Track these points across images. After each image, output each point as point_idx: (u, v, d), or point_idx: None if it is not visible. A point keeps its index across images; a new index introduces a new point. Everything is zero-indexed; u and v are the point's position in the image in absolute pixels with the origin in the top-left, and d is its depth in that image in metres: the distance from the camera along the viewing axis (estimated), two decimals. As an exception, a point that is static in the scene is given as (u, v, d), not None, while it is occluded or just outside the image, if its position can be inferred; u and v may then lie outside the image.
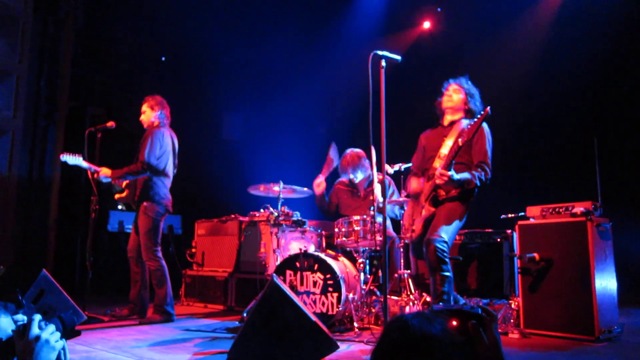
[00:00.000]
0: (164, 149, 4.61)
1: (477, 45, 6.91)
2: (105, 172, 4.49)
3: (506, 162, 6.14)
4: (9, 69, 5.54)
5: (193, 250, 6.00)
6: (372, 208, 4.05)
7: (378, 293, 4.19)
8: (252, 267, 5.33)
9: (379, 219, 3.83)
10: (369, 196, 4.80)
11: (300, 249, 4.22)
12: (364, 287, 4.10)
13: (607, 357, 3.12)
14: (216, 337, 3.81)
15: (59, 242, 6.24)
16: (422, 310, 1.06)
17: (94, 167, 4.52)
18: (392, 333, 1.02)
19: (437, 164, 3.60)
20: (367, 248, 4.23)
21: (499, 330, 1.15)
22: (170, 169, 4.69)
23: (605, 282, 3.61)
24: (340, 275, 3.97)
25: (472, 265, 4.44)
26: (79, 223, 6.70)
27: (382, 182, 3.40)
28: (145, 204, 4.50)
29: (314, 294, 4.05)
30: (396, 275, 4.23)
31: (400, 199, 4.40)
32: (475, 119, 3.38)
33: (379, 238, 3.87)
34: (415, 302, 3.97)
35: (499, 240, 4.35)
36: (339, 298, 3.92)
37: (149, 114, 4.71)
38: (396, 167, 4.07)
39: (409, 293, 4.06)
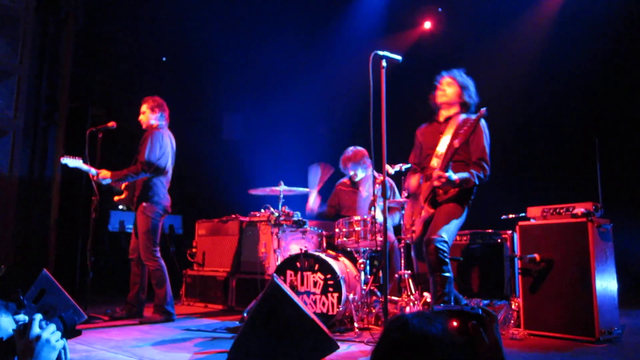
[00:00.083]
0: (164, 150, 4.62)
1: (477, 45, 6.91)
2: (104, 174, 4.50)
3: (507, 162, 6.16)
4: (9, 69, 5.55)
5: (194, 250, 6.00)
6: (372, 208, 4.05)
7: (378, 293, 4.19)
8: (252, 267, 5.33)
9: (380, 219, 3.83)
10: (370, 197, 4.79)
11: (301, 249, 4.22)
12: (365, 287, 4.10)
13: (607, 358, 3.12)
14: (216, 337, 3.81)
15: (60, 242, 6.24)
16: (422, 310, 1.05)
17: (93, 170, 4.53)
18: (392, 333, 1.02)
19: (434, 162, 3.55)
20: (367, 248, 4.23)
21: (500, 331, 1.15)
22: (170, 170, 4.71)
23: (606, 283, 3.61)
24: (340, 276, 3.97)
25: (473, 265, 4.44)
26: (80, 223, 6.70)
27: (382, 183, 3.39)
28: (144, 204, 4.52)
29: (314, 294, 4.05)
30: (396, 275, 4.23)
31: (401, 200, 4.39)
32: (471, 117, 3.35)
33: (379, 238, 3.86)
34: (416, 302, 3.97)
35: (499, 240, 4.35)
36: (339, 298, 3.92)
37: (149, 115, 4.72)
38: (397, 167, 4.07)
39: (409, 293, 4.06)
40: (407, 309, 3.94)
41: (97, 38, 7.05)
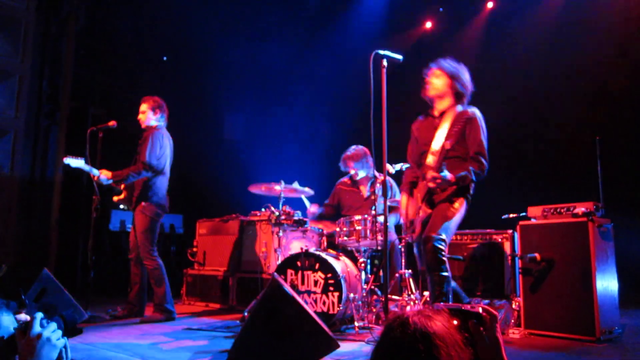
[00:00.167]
0: (164, 150, 4.65)
1: (478, 44, 6.91)
2: (105, 174, 4.51)
3: (508, 162, 6.15)
4: (11, 69, 5.56)
5: (194, 249, 6.01)
6: (373, 208, 4.05)
7: (379, 292, 4.19)
8: (253, 266, 5.34)
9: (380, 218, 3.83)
10: (371, 196, 4.79)
11: (302, 248, 4.22)
12: (365, 286, 4.10)
13: (607, 357, 3.12)
14: (217, 336, 3.81)
15: (61, 242, 6.25)
16: (422, 309, 1.05)
17: (95, 170, 4.54)
18: (393, 332, 1.02)
19: (430, 160, 3.48)
20: (368, 247, 4.24)
21: (500, 330, 1.15)
22: (168, 170, 4.72)
23: (607, 283, 3.61)
24: (341, 275, 3.98)
25: (473, 265, 4.44)
26: (81, 222, 6.72)
27: (383, 182, 3.38)
28: (143, 203, 4.54)
29: (314, 293, 4.05)
30: (397, 274, 4.23)
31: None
32: (467, 111, 3.29)
33: (380, 238, 3.86)
34: (416, 301, 3.97)
35: (500, 240, 4.35)
36: (339, 297, 3.92)
37: (149, 116, 4.72)
38: (397, 166, 4.06)
39: (409, 293, 4.06)
40: (408, 308, 3.94)
41: (98, 38, 7.06)
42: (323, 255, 4.10)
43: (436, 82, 3.58)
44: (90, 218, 4.61)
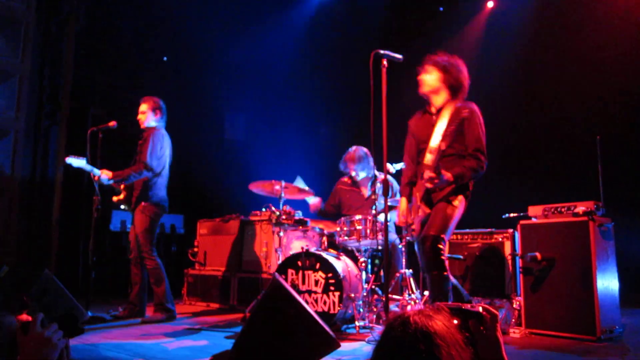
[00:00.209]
0: (164, 150, 4.66)
1: (478, 44, 6.90)
2: (106, 174, 4.51)
3: (508, 161, 6.15)
4: (11, 70, 5.56)
5: (195, 249, 6.01)
6: (374, 207, 4.05)
7: (380, 292, 4.19)
8: (254, 266, 5.34)
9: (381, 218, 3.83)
10: (372, 196, 4.79)
11: (302, 248, 4.22)
12: (366, 286, 4.10)
13: (608, 357, 3.12)
14: (218, 336, 3.81)
15: (62, 242, 6.25)
16: (423, 308, 1.05)
17: (96, 170, 4.54)
18: (393, 331, 1.02)
19: (428, 158, 3.42)
20: (368, 247, 4.24)
21: (500, 330, 1.15)
22: (167, 170, 4.73)
23: (607, 282, 3.61)
24: (342, 275, 3.98)
25: (474, 264, 4.44)
26: (82, 223, 6.72)
27: (383, 182, 3.37)
28: (143, 203, 4.55)
29: (315, 292, 4.05)
30: (398, 274, 4.23)
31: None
32: (465, 107, 3.27)
33: (380, 237, 3.87)
34: (417, 301, 3.97)
35: (500, 239, 4.35)
36: (340, 297, 3.93)
37: (150, 116, 4.73)
38: (398, 166, 4.06)
39: (410, 292, 4.06)
40: (409, 308, 3.94)
41: (98, 38, 7.05)
42: (324, 255, 4.10)
43: (428, 78, 3.51)
44: (91, 218, 4.62)
